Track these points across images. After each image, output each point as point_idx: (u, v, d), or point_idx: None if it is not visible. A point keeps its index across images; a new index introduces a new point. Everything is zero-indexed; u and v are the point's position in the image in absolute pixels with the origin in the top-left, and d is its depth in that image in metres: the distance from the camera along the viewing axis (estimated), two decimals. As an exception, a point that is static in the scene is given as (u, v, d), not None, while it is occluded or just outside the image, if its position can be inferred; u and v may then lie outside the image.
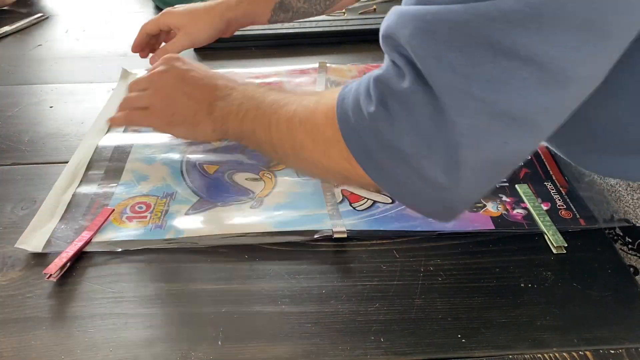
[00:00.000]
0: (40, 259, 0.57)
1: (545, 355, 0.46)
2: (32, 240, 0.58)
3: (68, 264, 0.56)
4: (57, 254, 0.56)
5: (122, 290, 0.53)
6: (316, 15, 0.89)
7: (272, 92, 0.59)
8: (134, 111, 0.67)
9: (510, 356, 0.47)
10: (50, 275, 0.54)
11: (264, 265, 0.56)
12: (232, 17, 0.82)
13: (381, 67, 0.47)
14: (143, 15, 1.21)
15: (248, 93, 0.60)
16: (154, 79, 0.66)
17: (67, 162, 0.71)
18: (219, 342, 0.48)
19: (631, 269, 0.61)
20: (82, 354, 0.47)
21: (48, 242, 0.58)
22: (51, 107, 0.85)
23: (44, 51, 1.05)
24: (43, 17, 1.19)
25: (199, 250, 0.57)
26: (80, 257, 0.57)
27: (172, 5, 1.17)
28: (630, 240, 0.60)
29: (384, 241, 0.58)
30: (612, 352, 0.47)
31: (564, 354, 0.46)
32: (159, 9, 1.21)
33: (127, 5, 1.27)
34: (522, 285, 0.53)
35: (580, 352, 0.47)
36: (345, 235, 0.58)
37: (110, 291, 0.53)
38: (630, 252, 0.60)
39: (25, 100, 0.87)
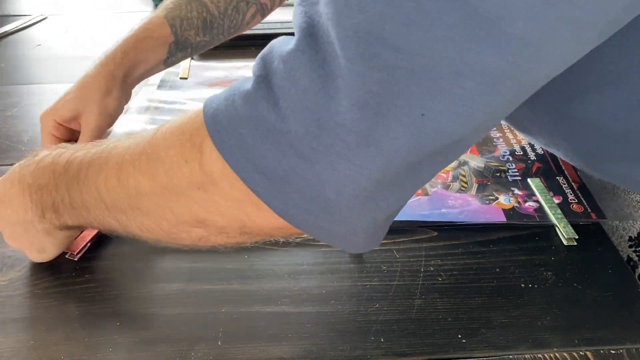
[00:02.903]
0: (40, 259, 0.57)
1: (546, 355, 0.46)
2: None
3: (88, 245, 0.57)
4: None
5: (122, 290, 0.53)
6: (218, 44, 0.78)
7: (82, 149, 0.49)
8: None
9: (510, 356, 0.46)
10: (72, 254, 0.56)
11: (264, 265, 0.56)
12: (123, 73, 0.69)
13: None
14: (143, 15, 1.20)
15: (57, 166, 0.49)
16: None
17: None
18: (219, 342, 0.48)
19: None
20: (82, 354, 0.47)
21: None
22: (51, 107, 0.85)
23: (44, 51, 1.05)
24: (43, 17, 1.19)
25: (199, 250, 0.57)
26: (81, 257, 0.57)
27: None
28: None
29: (384, 241, 0.58)
30: (613, 352, 0.46)
31: (564, 354, 0.46)
32: (159, 9, 1.21)
33: (127, 5, 1.27)
34: (523, 285, 0.53)
35: (580, 352, 0.46)
36: None
37: (110, 291, 0.53)
38: None
39: (25, 100, 0.87)
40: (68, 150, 0.50)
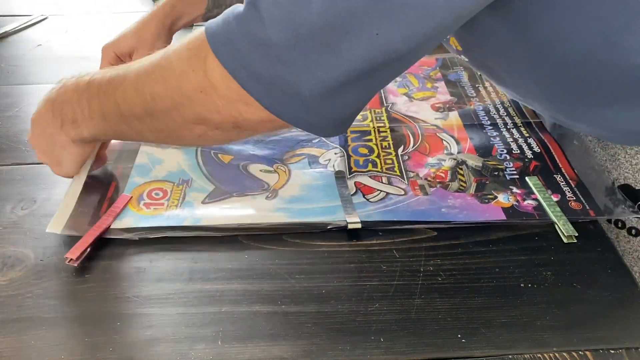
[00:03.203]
0: (40, 259, 0.57)
1: (545, 355, 0.46)
2: (55, 223, 0.59)
3: (88, 250, 0.57)
4: (67, 240, 0.58)
5: (122, 290, 0.53)
6: None
7: (101, 72, 0.59)
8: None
9: (510, 356, 0.47)
10: (72, 259, 0.55)
11: (264, 265, 0.56)
12: (170, 21, 0.85)
13: None
14: (143, 15, 1.20)
15: (80, 84, 0.59)
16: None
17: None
18: (219, 342, 0.48)
19: (632, 230, 0.64)
20: (82, 354, 0.47)
21: (67, 224, 0.59)
22: (51, 107, 0.85)
23: (44, 51, 1.05)
24: (43, 17, 1.19)
25: (199, 250, 0.58)
26: (80, 257, 0.57)
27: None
28: (631, 204, 0.61)
29: (384, 241, 0.58)
30: (612, 352, 0.47)
31: (564, 354, 0.46)
32: (159, 9, 1.21)
33: (127, 5, 1.27)
34: (522, 285, 0.53)
35: (580, 352, 0.47)
36: (359, 226, 0.58)
37: (110, 291, 0.53)
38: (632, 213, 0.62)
39: (25, 100, 0.87)
40: (89, 74, 0.60)
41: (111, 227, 0.59)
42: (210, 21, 0.50)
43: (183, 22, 0.86)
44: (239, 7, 0.48)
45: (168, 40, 0.85)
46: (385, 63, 0.47)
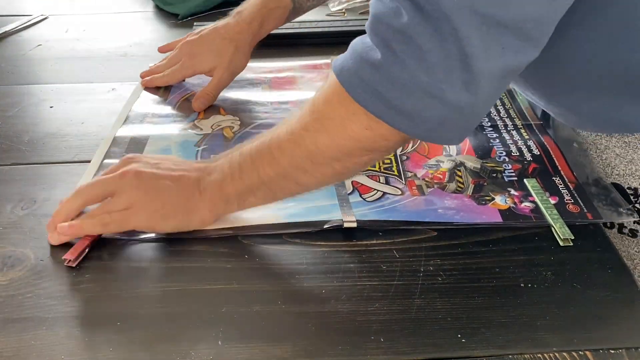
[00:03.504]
0: (41, 259, 0.57)
1: (545, 355, 0.46)
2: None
3: (87, 250, 0.56)
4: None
5: (122, 290, 0.53)
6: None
7: (253, 140, 0.58)
8: (112, 214, 0.57)
9: (510, 356, 0.47)
10: (69, 260, 0.55)
11: (264, 265, 0.56)
12: (255, 41, 0.85)
13: (370, 8, 0.50)
14: (143, 15, 1.20)
15: (231, 154, 0.59)
16: (123, 180, 0.58)
17: (67, 163, 0.71)
18: (219, 342, 0.48)
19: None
20: (82, 354, 0.47)
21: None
22: (51, 107, 0.85)
23: (44, 51, 1.05)
24: (43, 17, 1.19)
25: (199, 250, 0.57)
26: (79, 259, 0.57)
27: (172, 5, 1.17)
28: (630, 208, 0.61)
29: (384, 241, 0.58)
30: (612, 352, 0.47)
31: (564, 354, 0.46)
32: (158, 8, 1.21)
33: (127, 5, 1.27)
34: (522, 285, 0.53)
35: (580, 352, 0.47)
36: (354, 225, 0.58)
37: (110, 291, 0.53)
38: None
39: (25, 100, 0.87)
40: (237, 149, 0.59)
41: None
42: (341, 68, 0.51)
43: (263, 34, 0.86)
44: (374, 53, 0.48)
45: (248, 58, 0.85)
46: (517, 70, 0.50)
